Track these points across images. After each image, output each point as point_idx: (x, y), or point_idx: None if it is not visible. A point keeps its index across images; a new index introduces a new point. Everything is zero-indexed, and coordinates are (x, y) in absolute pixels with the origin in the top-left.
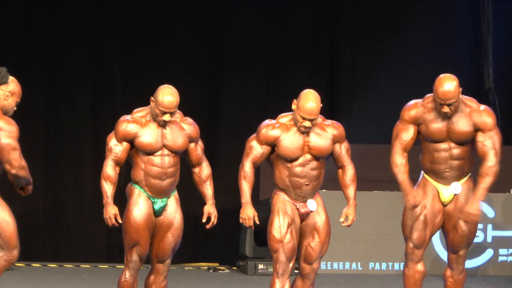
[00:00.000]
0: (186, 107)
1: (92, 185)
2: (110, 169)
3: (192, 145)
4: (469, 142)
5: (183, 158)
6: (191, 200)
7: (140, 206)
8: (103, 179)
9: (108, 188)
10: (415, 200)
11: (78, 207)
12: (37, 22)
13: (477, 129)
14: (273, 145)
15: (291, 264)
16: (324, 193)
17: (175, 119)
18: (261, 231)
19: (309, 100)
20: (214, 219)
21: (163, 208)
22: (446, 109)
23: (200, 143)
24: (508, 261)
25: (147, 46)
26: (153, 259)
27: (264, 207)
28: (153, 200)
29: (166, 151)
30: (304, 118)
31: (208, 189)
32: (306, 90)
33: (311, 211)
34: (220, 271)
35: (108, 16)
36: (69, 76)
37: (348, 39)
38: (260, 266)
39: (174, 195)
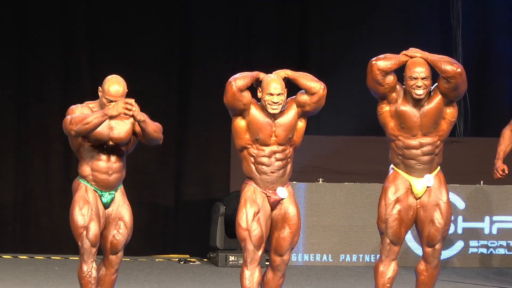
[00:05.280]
0: (155, 98)
1: (62, 176)
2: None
3: (138, 128)
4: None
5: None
6: (161, 192)
7: (87, 196)
8: (80, 118)
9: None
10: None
11: (48, 198)
12: (5, 14)
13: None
14: None
15: (259, 252)
16: (294, 184)
17: None
18: (232, 223)
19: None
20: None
21: (111, 200)
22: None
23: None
24: (479, 252)
25: (115, 36)
26: (106, 252)
27: (234, 199)
28: (100, 194)
29: (112, 144)
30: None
31: None
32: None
33: (282, 199)
34: (191, 263)
35: (74, 6)
36: (38, 68)
37: (317, 28)
38: (231, 258)
39: (120, 189)
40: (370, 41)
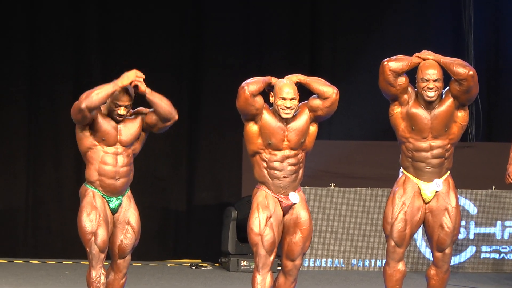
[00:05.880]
0: None
1: (73, 181)
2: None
3: (148, 118)
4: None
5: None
6: (173, 197)
7: (95, 202)
8: (90, 91)
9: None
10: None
11: (59, 203)
12: (16, 17)
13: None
14: None
15: (271, 258)
16: (306, 189)
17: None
18: (244, 228)
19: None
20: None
21: (118, 206)
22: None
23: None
24: (490, 257)
25: (126, 39)
26: (114, 256)
27: (246, 203)
28: (108, 199)
29: (120, 149)
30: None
31: None
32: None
33: (294, 204)
34: (203, 268)
35: (86, 8)
36: (49, 72)
37: (328, 33)
38: (243, 263)
39: (127, 194)
40: (382, 46)
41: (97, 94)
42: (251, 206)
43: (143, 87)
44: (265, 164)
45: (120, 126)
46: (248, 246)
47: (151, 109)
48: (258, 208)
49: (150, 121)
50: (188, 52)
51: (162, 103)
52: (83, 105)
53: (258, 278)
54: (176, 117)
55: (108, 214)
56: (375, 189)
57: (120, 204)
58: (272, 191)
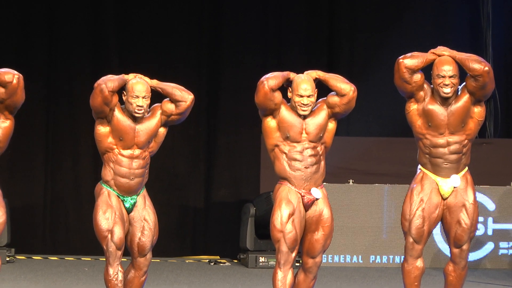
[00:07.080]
0: None
1: (91, 177)
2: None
3: (164, 106)
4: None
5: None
6: (191, 193)
7: (110, 200)
8: (105, 80)
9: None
10: None
11: (77, 200)
12: (34, 13)
13: None
14: None
15: (293, 254)
16: (324, 186)
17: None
18: (262, 224)
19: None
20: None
21: (133, 205)
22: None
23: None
24: (509, 254)
25: (144, 36)
26: (134, 254)
27: (264, 200)
28: (122, 199)
29: (136, 151)
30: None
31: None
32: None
33: (316, 199)
34: (221, 264)
35: (104, 6)
36: (67, 69)
37: (346, 31)
38: (261, 259)
39: (142, 193)
40: (400, 43)
41: (111, 77)
42: (271, 201)
43: (146, 79)
44: (285, 157)
45: (138, 127)
46: (266, 242)
47: (166, 99)
48: (280, 204)
49: (167, 109)
50: (206, 50)
51: (172, 87)
52: (103, 84)
53: (280, 274)
54: (190, 96)
55: (123, 212)
56: (394, 185)
57: (134, 204)
58: (295, 185)
